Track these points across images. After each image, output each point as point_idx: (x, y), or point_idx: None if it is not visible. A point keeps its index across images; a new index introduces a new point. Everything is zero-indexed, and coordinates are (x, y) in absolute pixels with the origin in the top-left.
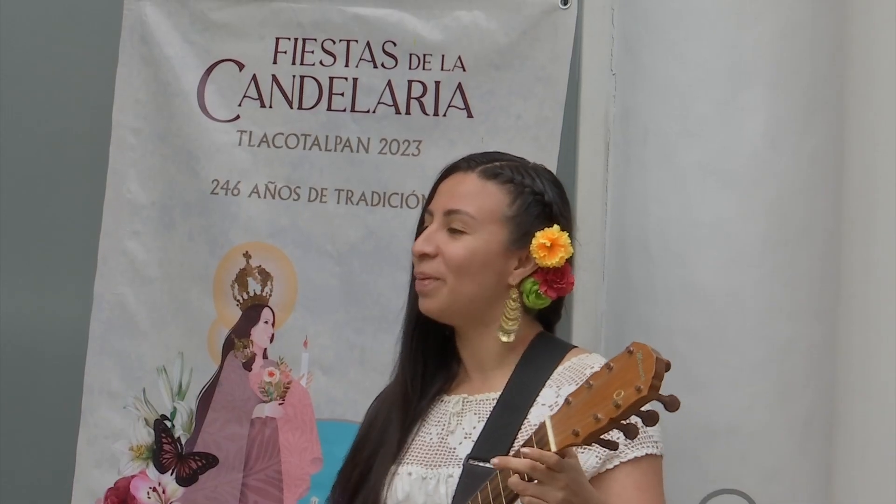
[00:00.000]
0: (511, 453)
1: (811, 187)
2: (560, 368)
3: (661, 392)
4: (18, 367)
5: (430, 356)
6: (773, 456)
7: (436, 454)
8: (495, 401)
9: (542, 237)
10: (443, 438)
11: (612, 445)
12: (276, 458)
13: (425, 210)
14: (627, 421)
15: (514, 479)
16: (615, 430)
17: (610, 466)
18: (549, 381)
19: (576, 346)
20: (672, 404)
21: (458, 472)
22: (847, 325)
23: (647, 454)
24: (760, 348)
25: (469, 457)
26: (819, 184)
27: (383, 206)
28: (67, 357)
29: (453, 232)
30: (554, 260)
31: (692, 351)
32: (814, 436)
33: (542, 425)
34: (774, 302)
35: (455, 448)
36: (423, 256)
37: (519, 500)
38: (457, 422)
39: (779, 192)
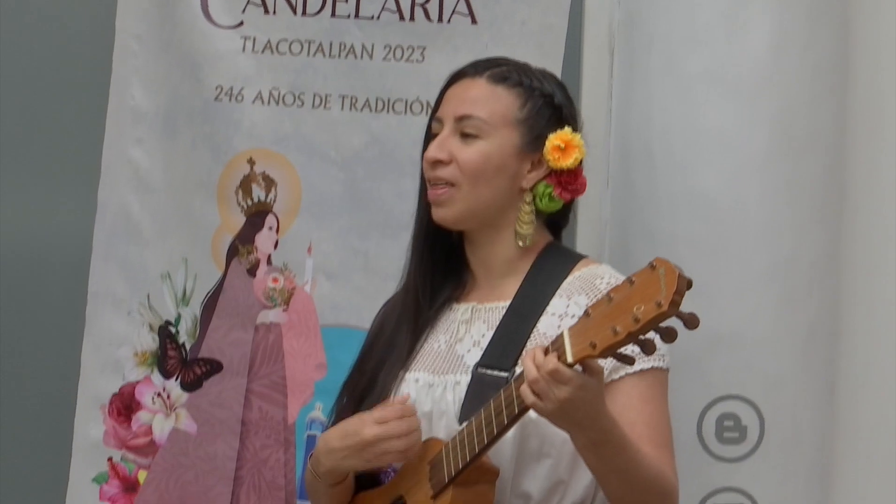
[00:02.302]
0: (520, 362)
1: (816, 98)
2: (570, 278)
3: (681, 309)
4: (23, 275)
5: (440, 263)
6: (776, 364)
7: (443, 361)
8: (505, 309)
9: (555, 139)
10: (451, 346)
11: (627, 360)
12: (281, 363)
13: (433, 118)
14: (645, 336)
15: (524, 387)
16: (633, 345)
17: (616, 377)
18: (559, 291)
19: (586, 257)
20: (691, 322)
21: (465, 379)
22: (851, 235)
23: (653, 367)
24: (764, 257)
25: (477, 365)
26: (824, 94)
27: (387, 112)
28: (72, 264)
29: (466, 137)
30: (568, 161)
31: (696, 259)
32: (817, 345)
33: (560, 336)
34: (778, 212)
35: (463, 356)
36: (437, 163)
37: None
38: (465, 330)
39: (783, 103)
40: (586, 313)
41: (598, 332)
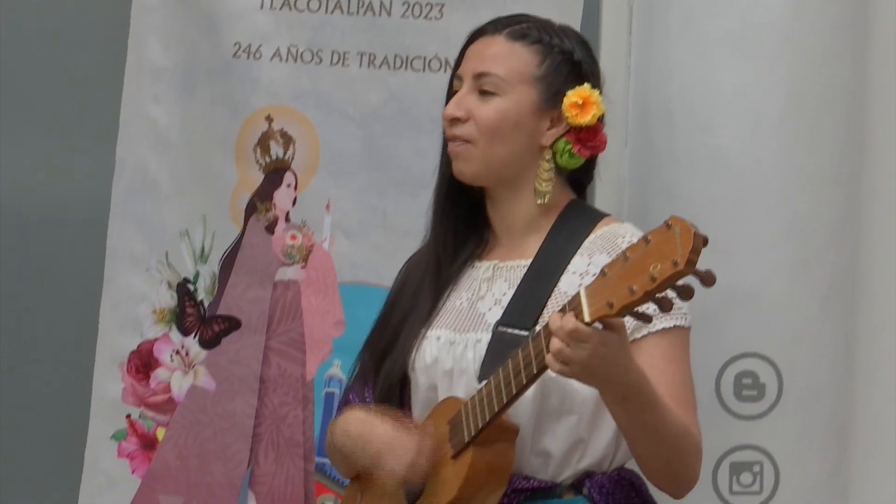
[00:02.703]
0: (541, 321)
1: (834, 56)
2: (592, 237)
3: (697, 267)
4: (41, 234)
5: (463, 221)
6: (794, 322)
7: (465, 319)
8: (526, 267)
9: (573, 95)
10: (472, 304)
11: (645, 318)
12: (299, 321)
13: (454, 75)
14: (662, 294)
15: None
16: (650, 303)
17: (638, 336)
18: (580, 250)
19: (608, 215)
20: (708, 279)
21: (486, 337)
22: (869, 193)
23: (675, 326)
24: (782, 215)
25: (498, 323)
26: (842, 51)
27: (405, 69)
28: (90, 222)
29: (484, 94)
30: (587, 118)
31: (713, 217)
32: (836, 302)
33: (577, 295)
34: (796, 170)
35: (484, 314)
36: (455, 120)
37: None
38: (487, 288)
39: (801, 61)
40: (602, 272)
41: (615, 291)
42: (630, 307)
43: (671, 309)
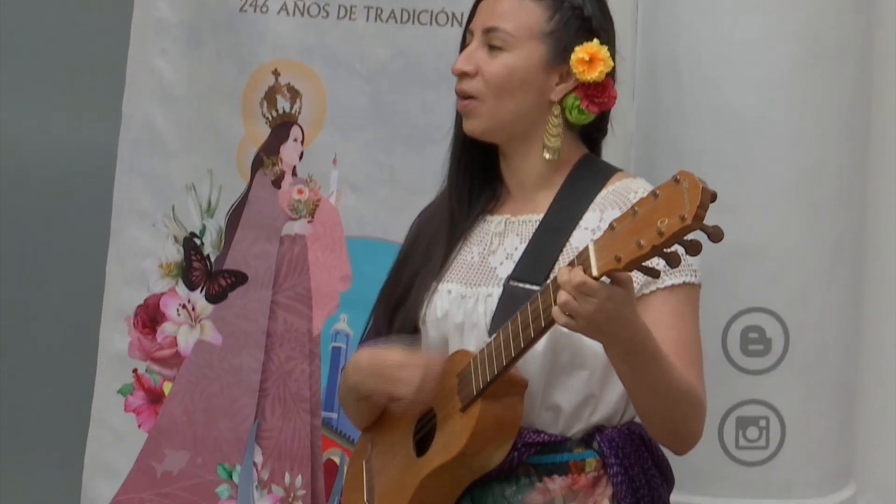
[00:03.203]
0: (552, 276)
1: (843, 10)
2: (604, 192)
3: (705, 222)
4: (48, 188)
5: (478, 175)
6: (802, 277)
7: (476, 273)
8: (538, 222)
9: (581, 52)
10: (484, 258)
11: (653, 273)
12: (306, 275)
13: (466, 29)
14: (670, 249)
15: (556, 308)
16: (658, 258)
17: (647, 292)
18: (592, 205)
19: (621, 170)
20: (715, 235)
21: (497, 291)
22: (879, 147)
23: (684, 282)
24: (790, 170)
25: (510, 277)
26: (851, 7)
27: (413, 23)
28: (96, 177)
29: (492, 50)
30: (594, 74)
31: (722, 172)
32: (843, 257)
33: (585, 249)
34: (805, 125)
35: (496, 268)
36: (463, 75)
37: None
38: (498, 242)
39: (810, 15)
40: (611, 227)
41: (623, 245)
42: (637, 261)
43: (679, 264)
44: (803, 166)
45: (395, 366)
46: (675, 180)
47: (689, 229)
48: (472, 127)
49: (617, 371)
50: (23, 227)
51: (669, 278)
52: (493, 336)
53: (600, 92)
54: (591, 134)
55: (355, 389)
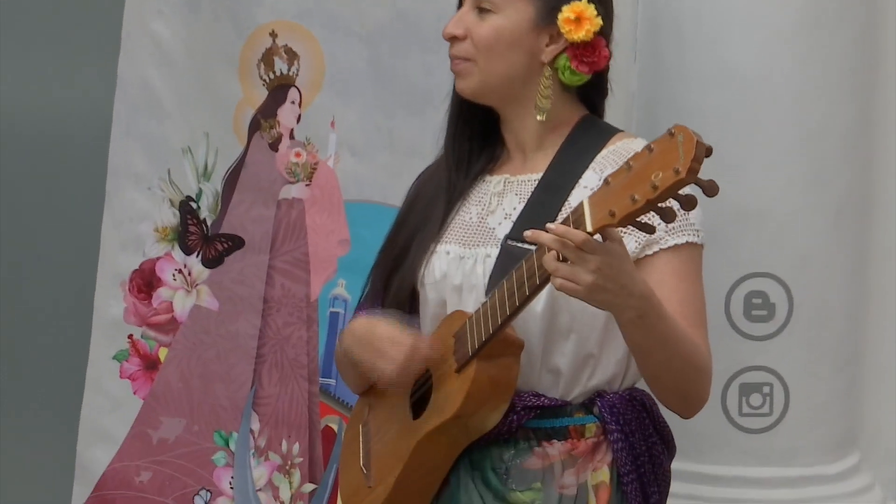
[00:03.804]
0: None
1: None
2: (604, 152)
3: (699, 176)
4: (42, 151)
5: (477, 136)
6: (806, 240)
7: (474, 233)
8: (537, 182)
9: (567, 11)
10: (482, 218)
11: (648, 229)
12: (303, 239)
13: None
14: (665, 204)
15: (548, 257)
16: (652, 213)
17: (649, 252)
18: (592, 164)
19: (622, 131)
20: (711, 189)
21: (495, 252)
22: (883, 105)
23: (687, 242)
24: (794, 130)
25: (507, 237)
26: None
27: None
28: (91, 140)
29: (482, 12)
30: (581, 34)
31: (725, 133)
32: (847, 220)
33: (580, 205)
34: (808, 84)
35: (494, 228)
36: (453, 39)
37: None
38: (497, 202)
39: None
40: (606, 182)
41: (618, 200)
42: (632, 216)
43: (674, 218)
44: (807, 126)
45: (384, 340)
46: (670, 134)
47: (684, 183)
48: (463, 88)
49: (624, 335)
50: (17, 190)
51: (672, 238)
52: (489, 296)
53: (590, 52)
54: (590, 95)
55: (348, 355)
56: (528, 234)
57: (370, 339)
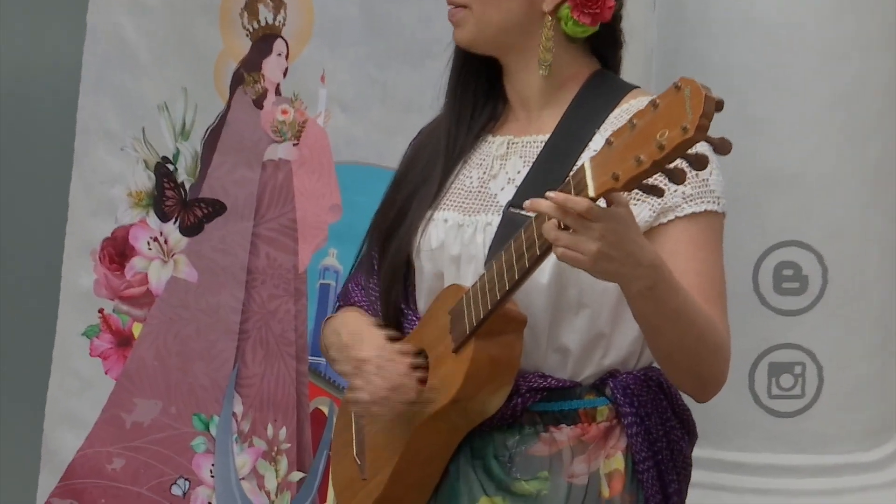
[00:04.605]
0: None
1: None
2: (617, 111)
3: (710, 133)
4: (5, 109)
5: (479, 92)
6: (840, 207)
7: (475, 200)
8: (543, 144)
9: None
10: (484, 183)
11: (656, 192)
12: (291, 204)
13: None
14: (673, 165)
15: (548, 225)
16: (661, 175)
17: (664, 221)
18: (603, 125)
19: (637, 87)
20: (722, 147)
21: (497, 220)
22: None
23: (706, 210)
24: (826, 87)
25: (509, 204)
26: None
27: None
28: (59, 96)
29: None
30: None
31: (752, 90)
32: (886, 185)
33: (581, 168)
34: (842, 35)
35: (496, 194)
36: None
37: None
38: (500, 165)
39: None
40: (608, 142)
41: (621, 162)
42: (637, 179)
43: (684, 180)
44: (841, 81)
45: (368, 360)
46: (676, 87)
47: (693, 141)
48: (459, 37)
49: (633, 310)
50: None
51: (689, 206)
52: (487, 268)
53: (592, 2)
54: (601, 47)
55: (329, 351)
56: (527, 204)
57: (356, 350)
